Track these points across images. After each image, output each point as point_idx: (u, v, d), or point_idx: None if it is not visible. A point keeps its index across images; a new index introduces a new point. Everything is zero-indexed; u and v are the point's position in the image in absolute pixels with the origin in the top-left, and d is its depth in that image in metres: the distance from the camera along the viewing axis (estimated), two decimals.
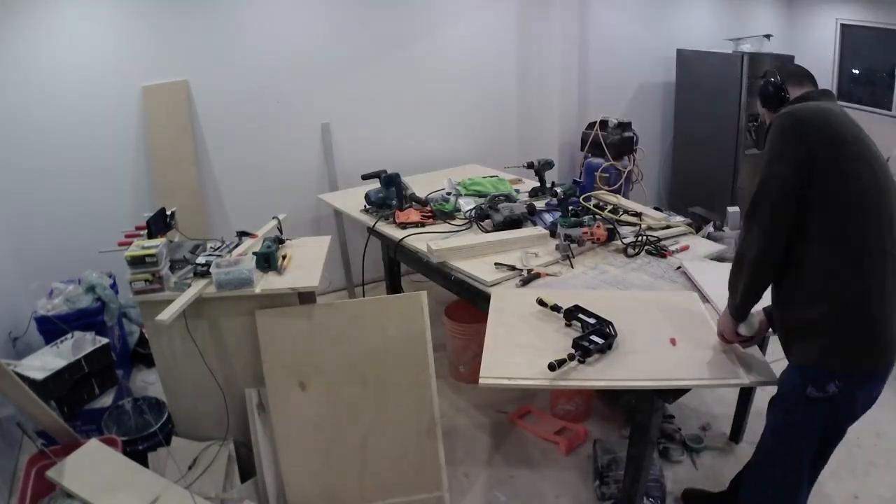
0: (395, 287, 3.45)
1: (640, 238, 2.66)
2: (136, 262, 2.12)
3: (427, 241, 2.69)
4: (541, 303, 2.05)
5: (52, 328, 2.84)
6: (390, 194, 3.11)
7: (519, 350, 1.86)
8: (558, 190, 2.86)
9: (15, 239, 3.28)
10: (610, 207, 2.96)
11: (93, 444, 2.14)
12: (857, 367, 1.50)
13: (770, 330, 1.79)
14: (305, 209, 4.02)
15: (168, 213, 2.45)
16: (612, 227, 2.66)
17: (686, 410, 2.92)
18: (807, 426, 1.60)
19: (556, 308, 2.01)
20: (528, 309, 2.08)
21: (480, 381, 1.74)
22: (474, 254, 2.58)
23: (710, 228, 4.38)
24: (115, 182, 3.45)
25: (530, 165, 3.47)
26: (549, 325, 1.99)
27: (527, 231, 2.75)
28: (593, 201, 3.09)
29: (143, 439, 2.38)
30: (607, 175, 4.27)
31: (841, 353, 1.49)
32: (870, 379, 1.53)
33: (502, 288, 2.33)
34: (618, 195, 3.26)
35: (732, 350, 1.80)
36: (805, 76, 1.75)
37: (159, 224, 2.35)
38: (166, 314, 2.01)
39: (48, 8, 3.07)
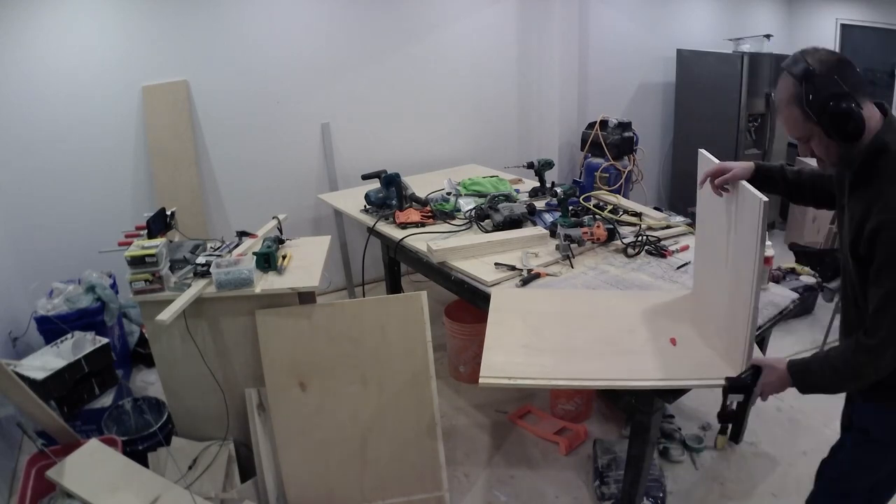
0: (395, 287, 3.45)
1: (640, 238, 2.66)
2: (136, 262, 2.12)
3: (427, 241, 2.69)
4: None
5: (52, 328, 2.84)
6: (390, 194, 3.11)
7: (519, 350, 1.86)
8: (558, 190, 2.87)
9: (15, 239, 3.27)
10: (610, 207, 2.96)
11: (93, 444, 2.14)
12: None
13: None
14: (305, 209, 4.02)
15: (168, 213, 2.44)
16: (612, 227, 2.66)
17: (686, 410, 2.92)
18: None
19: None
20: (528, 309, 2.08)
21: (480, 381, 1.73)
22: (474, 254, 2.58)
23: None
24: (115, 182, 3.45)
25: (530, 165, 3.47)
26: (549, 326, 1.99)
27: (527, 231, 2.75)
28: (593, 201, 3.09)
29: (143, 439, 2.38)
30: (607, 175, 4.27)
31: None
32: None
33: (502, 288, 2.33)
34: (618, 195, 3.25)
35: (734, 351, 1.80)
36: (863, 82, 1.38)
37: (159, 224, 2.35)
38: (166, 314, 2.01)
39: (48, 8, 3.07)
